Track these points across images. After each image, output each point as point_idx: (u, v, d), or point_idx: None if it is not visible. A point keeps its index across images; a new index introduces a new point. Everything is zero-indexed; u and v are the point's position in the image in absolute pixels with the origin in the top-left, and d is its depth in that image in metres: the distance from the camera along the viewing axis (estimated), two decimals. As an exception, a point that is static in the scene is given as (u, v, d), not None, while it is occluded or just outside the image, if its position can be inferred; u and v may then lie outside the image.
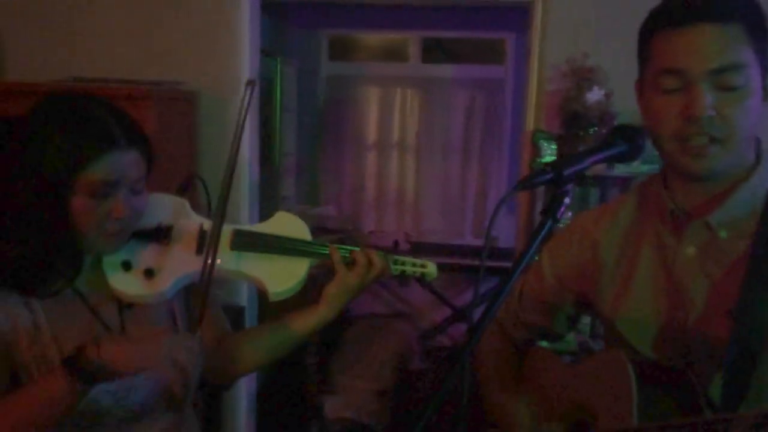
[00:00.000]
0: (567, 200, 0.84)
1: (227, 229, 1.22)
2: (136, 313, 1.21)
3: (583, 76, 2.52)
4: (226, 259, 1.21)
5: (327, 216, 4.36)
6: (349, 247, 1.25)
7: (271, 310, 1.46)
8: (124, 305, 1.20)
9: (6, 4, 2.78)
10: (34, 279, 1.09)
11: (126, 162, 1.09)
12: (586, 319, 2.28)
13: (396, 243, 4.20)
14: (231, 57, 2.74)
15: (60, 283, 1.11)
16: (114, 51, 2.76)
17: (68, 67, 2.71)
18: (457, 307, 4.18)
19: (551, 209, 0.83)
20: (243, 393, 2.89)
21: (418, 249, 4.40)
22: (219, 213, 1.15)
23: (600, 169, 2.42)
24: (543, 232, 0.82)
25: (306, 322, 1.29)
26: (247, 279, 1.24)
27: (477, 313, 0.82)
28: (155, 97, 2.35)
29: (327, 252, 1.24)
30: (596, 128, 2.44)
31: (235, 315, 2.72)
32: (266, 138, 4.11)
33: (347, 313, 4.65)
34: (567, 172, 0.84)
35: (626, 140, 0.92)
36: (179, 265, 1.18)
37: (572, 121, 2.48)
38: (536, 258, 1.26)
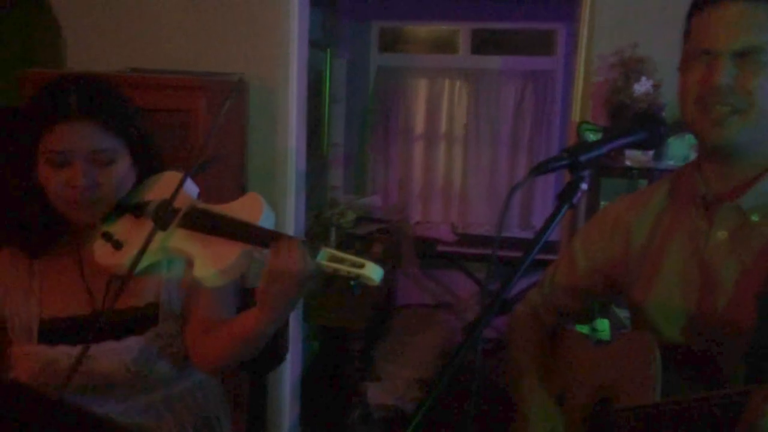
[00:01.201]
0: (584, 186, 0.85)
1: (186, 207, 1.19)
2: (122, 284, 1.19)
3: (631, 67, 2.48)
4: (170, 237, 1.17)
5: (373, 206, 4.40)
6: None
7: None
8: (111, 276, 1.24)
9: (68, -1, 2.92)
10: (24, 241, 1.25)
11: (79, 133, 1.15)
12: (624, 312, 2.26)
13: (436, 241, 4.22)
14: (280, 48, 2.80)
15: (47, 246, 1.25)
16: (169, 43, 2.86)
17: (126, 58, 2.82)
18: (503, 299, 4.16)
19: (567, 194, 0.84)
20: (287, 378, 2.97)
21: (465, 240, 4.41)
22: (173, 193, 1.15)
23: (647, 161, 2.38)
24: (558, 217, 0.83)
25: (248, 323, 1.18)
26: (186, 257, 1.19)
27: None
28: (206, 87, 2.43)
29: (267, 240, 1.11)
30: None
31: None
32: (315, 129, 4.19)
33: (393, 302, 4.70)
34: (583, 157, 0.85)
35: (646, 128, 0.93)
36: (140, 243, 1.13)
37: (618, 112, 2.44)
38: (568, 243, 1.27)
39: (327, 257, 1.08)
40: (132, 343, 1.25)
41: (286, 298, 1.09)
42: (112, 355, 1.23)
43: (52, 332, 1.23)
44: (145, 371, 1.26)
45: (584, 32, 2.68)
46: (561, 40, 4.55)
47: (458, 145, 4.77)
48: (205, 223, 1.16)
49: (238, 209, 1.18)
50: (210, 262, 1.12)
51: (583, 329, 2.02)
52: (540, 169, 0.86)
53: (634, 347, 1.00)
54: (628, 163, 2.34)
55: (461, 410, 3.35)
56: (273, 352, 1.74)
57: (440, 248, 4.30)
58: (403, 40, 4.96)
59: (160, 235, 1.14)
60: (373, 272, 1.06)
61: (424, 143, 4.82)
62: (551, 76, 4.58)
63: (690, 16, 1.02)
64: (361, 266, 1.05)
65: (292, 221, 2.83)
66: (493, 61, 4.68)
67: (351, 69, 4.77)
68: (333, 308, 3.31)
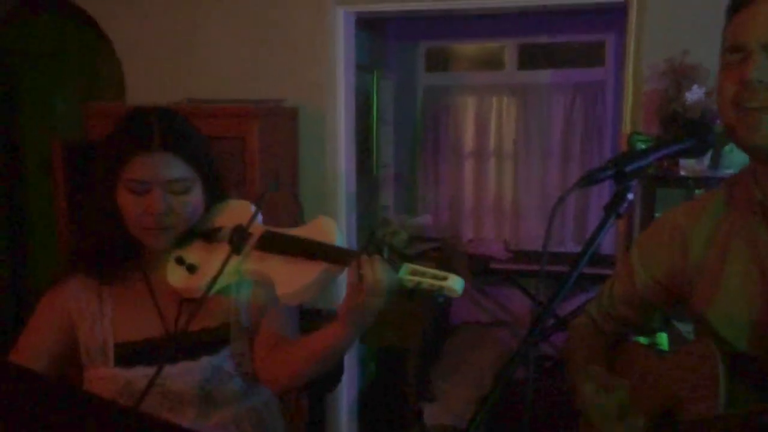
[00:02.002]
0: (630, 196, 0.84)
1: (259, 231, 1.26)
2: (193, 307, 1.26)
3: (682, 75, 2.44)
4: (249, 259, 1.23)
5: (425, 225, 4.41)
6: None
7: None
8: (184, 299, 1.30)
9: (125, 34, 3.06)
10: (101, 267, 1.30)
11: (158, 163, 1.22)
12: (684, 326, 2.20)
13: (489, 258, 4.18)
14: (328, 73, 2.87)
15: (123, 272, 1.31)
16: (223, 73, 2.97)
17: (183, 90, 2.94)
18: (559, 315, 4.10)
19: (613, 205, 0.84)
20: (344, 398, 2.99)
21: (518, 256, 4.36)
22: (248, 222, 1.22)
23: (702, 170, 2.33)
24: (605, 228, 0.83)
25: (326, 339, 1.21)
26: (265, 279, 1.23)
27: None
28: (258, 114, 2.51)
29: (345, 258, 1.16)
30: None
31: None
32: (364, 150, 4.24)
33: (449, 321, 4.68)
34: (629, 167, 0.85)
35: (693, 136, 0.92)
36: (216, 265, 1.20)
37: (671, 122, 2.40)
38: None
39: (408, 272, 1.11)
40: (205, 363, 1.30)
41: (368, 313, 1.12)
42: (187, 375, 1.28)
43: (127, 355, 1.28)
44: (217, 390, 1.31)
45: (632, 42, 2.65)
46: (610, 51, 4.49)
47: (508, 161, 4.74)
48: (280, 245, 1.22)
49: (311, 231, 1.24)
50: (291, 281, 1.17)
51: (643, 339, 1.98)
52: (586, 180, 0.86)
53: (698, 357, 0.97)
54: (683, 173, 2.29)
55: (519, 427, 3.29)
56: (329, 372, 1.76)
57: (493, 265, 4.27)
58: (450, 58, 4.99)
59: (235, 259, 1.21)
60: (456, 283, 1.08)
61: (474, 160, 4.81)
62: (601, 87, 4.52)
63: (725, 24, 1.01)
64: (444, 279, 1.08)
65: (344, 242, 2.87)
66: (541, 75, 4.65)
67: (398, 90, 4.82)
68: (389, 328, 3.33)
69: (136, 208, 1.23)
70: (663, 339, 1.73)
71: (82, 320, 1.30)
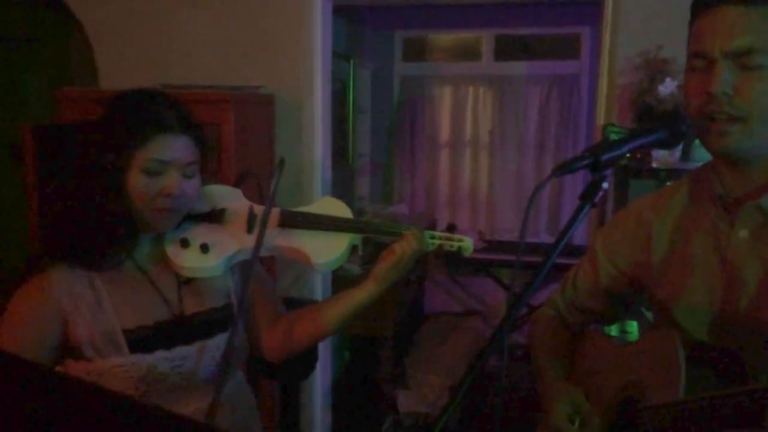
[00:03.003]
0: (605, 185, 0.86)
1: (276, 211, 1.35)
2: (192, 289, 1.34)
3: (655, 68, 2.47)
4: (274, 235, 1.33)
5: (400, 214, 4.42)
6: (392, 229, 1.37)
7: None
8: (182, 281, 1.32)
9: (97, 18, 3.00)
10: (95, 253, 1.23)
11: (177, 145, 1.23)
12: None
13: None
14: (305, 60, 2.85)
15: (118, 257, 1.26)
16: (198, 58, 2.93)
17: (157, 75, 2.89)
18: (533, 305, 4.15)
19: (589, 194, 0.85)
20: (318, 386, 3.00)
21: (492, 247, 4.39)
22: (271, 195, 1.26)
23: (674, 162, 2.37)
24: (580, 217, 0.84)
25: (355, 298, 1.39)
26: (295, 253, 1.34)
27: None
28: (233, 101, 2.48)
29: (366, 228, 1.38)
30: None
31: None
32: (340, 139, 4.23)
33: (422, 310, 4.70)
34: (605, 157, 0.86)
35: (667, 127, 0.94)
36: (231, 242, 1.30)
37: (644, 114, 2.43)
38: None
39: (429, 236, 1.35)
40: (220, 341, 1.34)
41: (400, 271, 1.34)
42: (205, 353, 1.31)
43: (142, 340, 1.25)
44: (229, 366, 1.34)
45: (607, 35, 2.67)
46: (585, 44, 4.53)
47: (484, 152, 4.77)
48: (304, 222, 1.35)
49: (325, 208, 1.40)
50: (325, 252, 1.33)
51: (612, 330, 2.01)
52: (562, 169, 0.87)
53: (659, 345, 1.00)
54: (655, 164, 2.32)
55: (492, 415, 3.34)
56: (303, 360, 1.77)
57: (468, 255, 4.30)
58: (427, 48, 4.99)
59: (272, 233, 1.32)
60: (468, 242, 1.37)
61: (450, 151, 4.83)
62: (576, 79, 4.56)
63: (690, 24, 1.02)
64: (461, 240, 1.36)
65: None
66: (517, 67, 4.68)
67: (375, 79, 4.81)
68: (362, 317, 3.34)
69: (150, 189, 1.22)
70: (633, 327, 1.77)
71: (78, 312, 1.23)
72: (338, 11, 3.12)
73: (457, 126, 4.79)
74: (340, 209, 1.40)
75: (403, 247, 1.33)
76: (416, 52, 4.95)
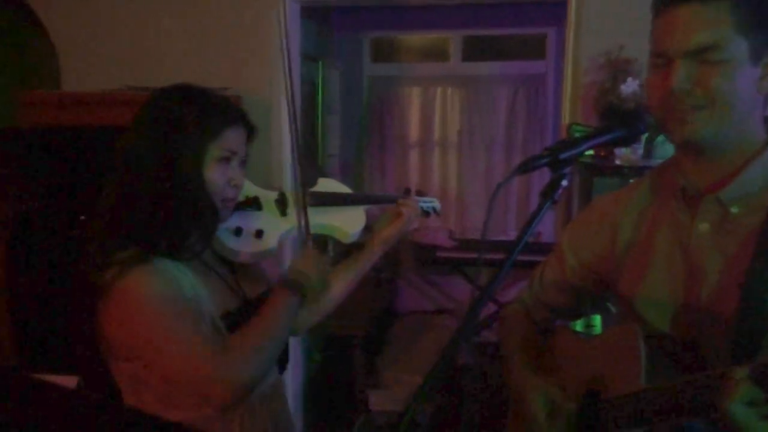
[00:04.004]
0: (565, 183, 0.88)
1: (312, 191, 1.54)
2: (243, 275, 1.42)
3: (618, 68, 2.53)
4: (311, 214, 1.45)
5: (371, 214, 4.43)
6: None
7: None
8: (234, 268, 1.40)
9: (60, 19, 2.96)
10: (179, 246, 1.24)
11: (241, 138, 1.32)
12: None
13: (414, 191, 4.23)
14: (273, 62, 2.85)
15: (201, 244, 1.27)
16: (163, 60, 2.91)
17: (121, 77, 2.86)
18: (501, 302, 4.19)
19: (549, 191, 0.87)
20: (290, 386, 2.99)
21: (463, 245, 4.43)
22: (303, 182, 1.42)
23: (637, 159, 2.42)
24: (541, 214, 0.86)
25: (365, 261, 1.56)
26: (327, 228, 1.52)
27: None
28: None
29: (371, 198, 1.65)
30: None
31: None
32: (310, 140, 4.23)
33: (394, 309, 4.72)
34: (563, 155, 0.88)
35: (624, 125, 0.96)
36: (277, 225, 1.44)
37: (608, 113, 2.49)
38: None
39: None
40: None
41: (401, 235, 1.57)
42: None
43: (233, 325, 1.28)
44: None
45: (571, 36, 2.72)
46: (551, 44, 4.59)
47: (453, 152, 4.80)
48: (330, 200, 1.54)
49: (331, 187, 1.59)
50: (352, 223, 1.54)
51: (578, 325, 2.05)
52: (522, 168, 0.89)
53: (621, 339, 1.02)
54: (618, 162, 2.37)
55: (465, 412, 3.36)
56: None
57: (439, 254, 4.32)
58: (395, 49, 5.01)
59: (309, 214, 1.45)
60: (437, 202, 1.70)
61: (419, 151, 4.85)
62: (543, 79, 4.62)
63: (652, 23, 1.04)
64: (432, 201, 1.68)
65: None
66: (485, 67, 4.72)
67: (344, 80, 4.81)
68: (334, 317, 3.33)
69: (222, 179, 1.28)
70: (597, 321, 1.80)
71: (198, 300, 1.24)
72: (306, 13, 3.12)
73: (426, 126, 4.82)
74: (340, 187, 1.61)
75: (409, 211, 1.54)
76: (385, 53, 4.96)
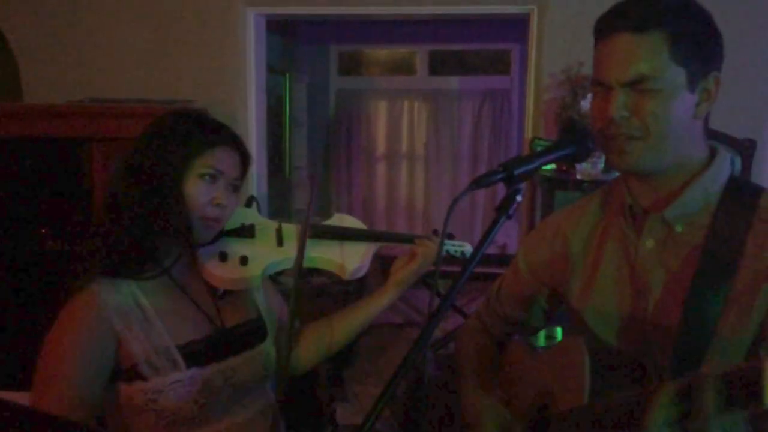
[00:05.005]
0: (519, 198, 0.90)
1: (314, 224, 1.46)
2: (226, 303, 1.36)
3: (578, 84, 2.59)
4: (309, 246, 1.40)
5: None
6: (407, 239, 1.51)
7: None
8: (217, 295, 1.35)
9: (22, 31, 2.92)
10: (140, 263, 1.22)
11: (230, 159, 1.29)
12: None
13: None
14: (238, 75, 2.85)
15: (169, 259, 1.25)
16: (127, 72, 2.88)
17: (83, 89, 2.83)
18: (467, 314, 4.21)
19: (504, 206, 0.90)
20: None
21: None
22: (308, 211, 1.33)
23: (597, 174, 2.47)
24: (496, 228, 0.88)
25: (376, 305, 1.47)
26: (324, 262, 1.44)
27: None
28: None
29: (383, 236, 1.50)
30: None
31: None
32: (277, 152, 4.23)
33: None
34: (518, 171, 0.91)
35: (575, 143, 0.99)
36: (267, 254, 1.37)
37: (564, 129, 2.54)
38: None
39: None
40: (262, 350, 1.37)
41: (417, 277, 1.46)
42: (252, 363, 1.33)
43: (196, 355, 1.25)
44: (271, 373, 1.38)
45: (533, 52, 2.78)
46: (515, 60, 4.68)
47: (419, 164, 4.85)
48: (333, 233, 1.46)
49: (344, 222, 1.52)
50: (354, 259, 1.43)
51: (541, 336, 2.08)
52: (478, 183, 0.90)
53: (567, 352, 1.03)
54: (579, 176, 2.43)
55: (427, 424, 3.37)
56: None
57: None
58: (362, 63, 5.04)
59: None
60: (468, 247, 1.53)
61: (386, 163, 4.89)
62: (507, 94, 4.70)
63: (594, 47, 1.05)
64: (462, 245, 1.53)
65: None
66: (451, 81, 4.79)
67: (311, 93, 4.83)
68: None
69: (204, 196, 1.25)
70: (558, 333, 1.84)
71: (130, 330, 1.19)
72: (272, 26, 3.13)
73: (392, 139, 4.86)
74: (355, 223, 1.53)
75: (425, 252, 1.44)
76: (352, 66, 5.00)
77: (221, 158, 1.27)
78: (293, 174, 4.62)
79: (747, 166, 2.57)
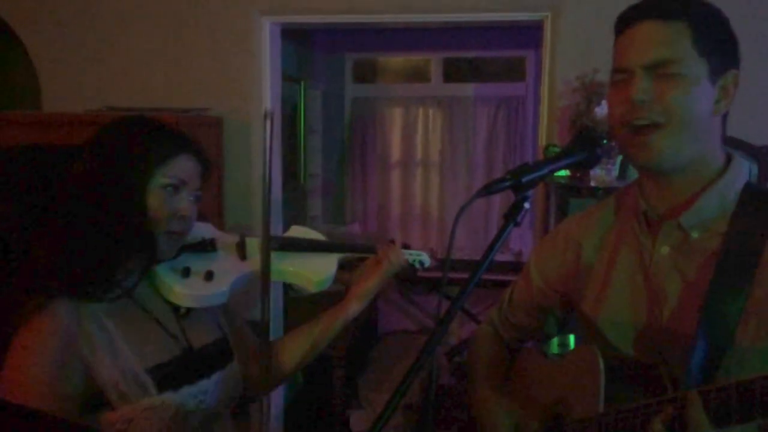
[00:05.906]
0: (527, 205, 0.90)
1: (277, 236, 1.43)
2: (190, 322, 1.29)
3: (592, 91, 2.58)
4: (273, 259, 1.32)
5: (353, 234, 4.45)
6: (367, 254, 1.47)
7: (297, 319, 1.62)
8: (181, 315, 1.27)
9: (41, 40, 2.97)
10: (103, 283, 1.13)
11: (192, 169, 1.24)
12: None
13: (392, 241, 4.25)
14: (253, 83, 2.87)
15: (132, 279, 1.18)
16: (144, 81, 2.92)
17: (101, 98, 2.88)
18: (480, 321, 4.19)
19: (512, 214, 0.90)
20: (271, 406, 2.98)
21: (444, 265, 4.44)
22: (265, 223, 1.23)
23: (611, 180, 2.46)
24: (504, 235, 0.89)
25: (339, 318, 1.42)
26: (290, 275, 1.40)
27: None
28: (181, 123, 2.48)
29: (345, 247, 1.47)
30: (606, 142, 2.49)
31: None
32: (292, 160, 4.25)
33: (375, 329, 4.72)
34: (526, 179, 0.91)
35: (585, 149, 0.99)
36: (231, 268, 1.32)
37: (575, 137, 2.53)
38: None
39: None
40: (231, 370, 1.33)
41: (380, 287, 1.42)
42: (222, 385, 1.28)
43: (167, 379, 1.18)
44: (238, 396, 1.34)
45: (547, 59, 2.78)
46: (530, 66, 4.67)
47: (434, 171, 4.85)
48: (296, 246, 1.43)
49: (302, 233, 1.50)
50: (320, 271, 1.40)
51: (553, 344, 2.07)
52: (485, 191, 0.91)
53: (582, 361, 1.03)
54: (593, 183, 2.41)
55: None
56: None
57: (420, 274, 4.33)
58: (377, 70, 5.06)
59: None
60: (425, 256, 1.51)
61: (401, 170, 4.89)
62: (522, 101, 4.69)
63: (614, 41, 1.06)
64: (419, 254, 1.49)
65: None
66: (466, 89, 4.79)
67: (326, 100, 4.86)
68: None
69: (167, 208, 1.19)
70: (571, 341, 1.82)
71: (95, 355, 1.11)
72: (288, 34, 3.16)
73: (407, 146, 4.87)
74: (315, 235, 1.51)
75: (390, 262, 1.40)
76: (366, 74, 5.01)
77: (183, 167, 1.21)
78: (308, 181, 4.64)
79: (764, 173, 2.54)
